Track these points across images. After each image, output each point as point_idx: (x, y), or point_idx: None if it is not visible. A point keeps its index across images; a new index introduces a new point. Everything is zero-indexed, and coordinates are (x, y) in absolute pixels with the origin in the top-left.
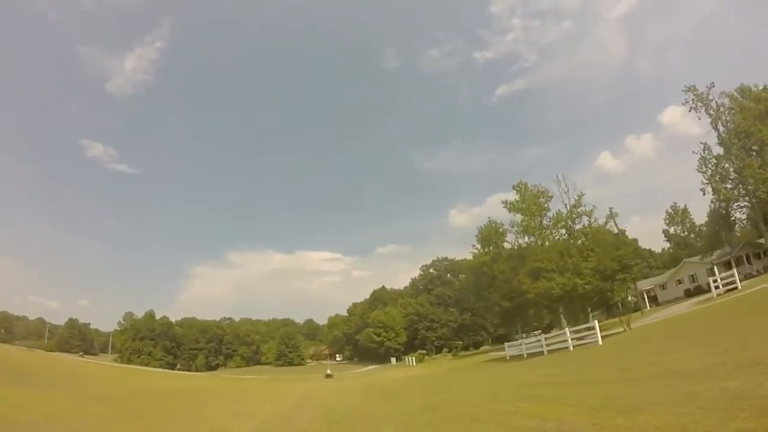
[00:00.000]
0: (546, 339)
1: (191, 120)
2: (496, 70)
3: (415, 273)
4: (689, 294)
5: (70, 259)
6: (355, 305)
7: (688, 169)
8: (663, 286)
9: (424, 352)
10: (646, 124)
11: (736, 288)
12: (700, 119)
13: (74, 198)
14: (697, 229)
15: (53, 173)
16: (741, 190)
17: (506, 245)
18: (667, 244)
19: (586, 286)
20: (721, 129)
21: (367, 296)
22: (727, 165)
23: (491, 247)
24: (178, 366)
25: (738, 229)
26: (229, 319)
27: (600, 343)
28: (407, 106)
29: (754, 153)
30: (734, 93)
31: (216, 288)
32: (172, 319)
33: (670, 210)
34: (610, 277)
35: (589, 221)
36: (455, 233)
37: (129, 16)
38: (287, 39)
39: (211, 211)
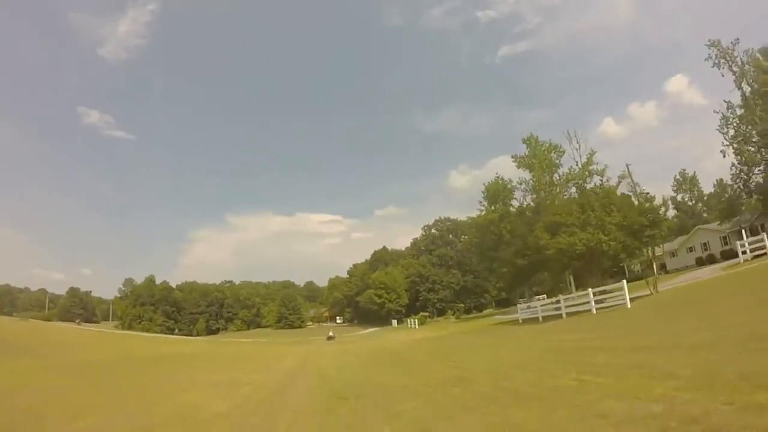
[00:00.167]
0: (565, 301)
1: (187, 84)
2: (500, 30)
3: (416, 234)
4: (701, 262)
5: (71, 228)
6: (355, 266)
7: (692, 138)
8: (673, 254)
9: (426, 314)
10: (651, 92)
11: (765, 254)
12: (723, 76)
13: (73, 167)
14: (705, 197)
15: (51, 143)
16: (764, 154)
17: (514, 203)
18: (672, 212)
19: (612, 243)
20: (746, 88)
21: (368, 257)
22: (750, 127)
23: (499, 204)
24: (176, 331)
25: (754, 197)
26: (230, 282)
27: (629, 305)
28: (408, 66)
29: None
30: (757, 54)
31: (217, 252)
32: (173, 285)
33: (678, 176)
34: (638, 232)
35: (601, 180)
36: (456, 195)
37: None
38: None
39: (210, 175)
